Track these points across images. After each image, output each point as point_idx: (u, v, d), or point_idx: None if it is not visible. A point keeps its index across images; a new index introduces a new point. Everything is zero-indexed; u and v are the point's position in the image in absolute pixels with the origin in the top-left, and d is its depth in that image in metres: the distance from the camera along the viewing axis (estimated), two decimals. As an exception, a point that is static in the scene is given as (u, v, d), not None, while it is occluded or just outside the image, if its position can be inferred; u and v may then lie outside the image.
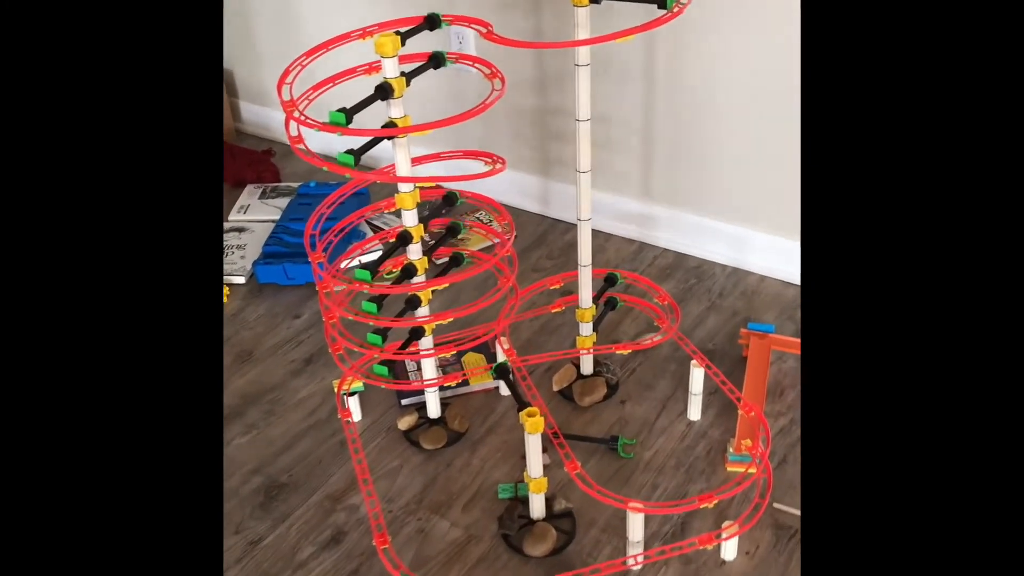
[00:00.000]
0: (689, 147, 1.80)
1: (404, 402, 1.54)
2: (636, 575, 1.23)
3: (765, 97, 1.66)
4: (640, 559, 1.22)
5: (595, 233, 1.98)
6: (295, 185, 2.21)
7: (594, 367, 1.56)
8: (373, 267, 1.25)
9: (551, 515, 1.31)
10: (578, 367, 1.56)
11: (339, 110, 1.11)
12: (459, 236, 1.42)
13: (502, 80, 1.21)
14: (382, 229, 1.99)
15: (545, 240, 1.99)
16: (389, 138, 1.20)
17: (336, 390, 1.49)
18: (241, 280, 1.90)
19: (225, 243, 2.01)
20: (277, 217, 2.07)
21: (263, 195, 2.20)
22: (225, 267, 1.92)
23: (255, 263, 1.89)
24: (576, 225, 1.41)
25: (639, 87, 1.80)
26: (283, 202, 2.15)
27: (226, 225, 2.08)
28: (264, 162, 2.30)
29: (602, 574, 1.19)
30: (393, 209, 1.31)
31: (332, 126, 1.10)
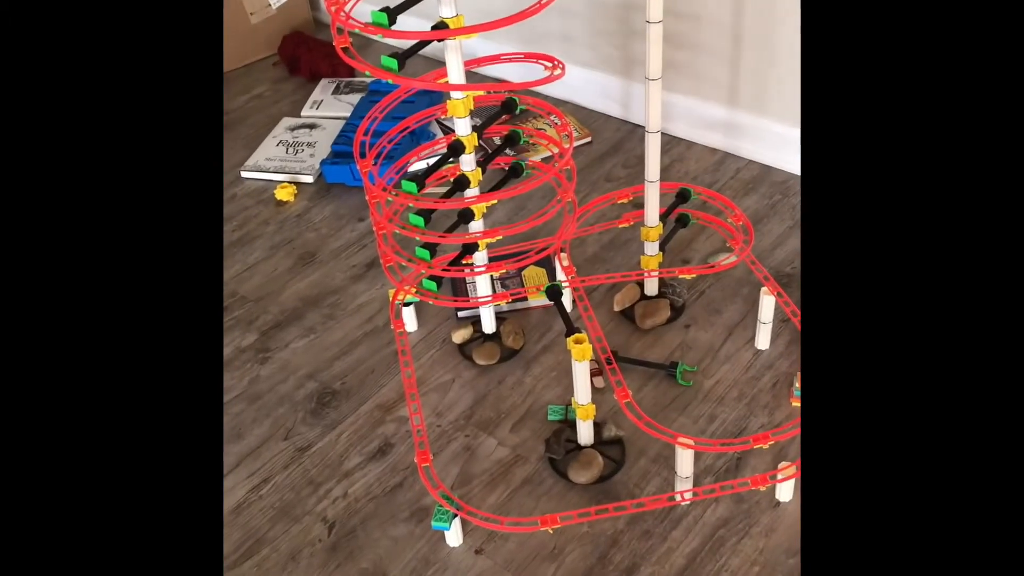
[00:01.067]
0: (780, 49, 1.64)
1: (460, 315, 1.51)
2: (685, 511, 1.18)
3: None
4: (687, 496, 1.16)
5: (675, 141, 1.86)
6: (368, 80, 2.15)
7: (660, 287, 1.48)
8: (420, 178, 1.19)
9: (599, 442, 1.26)
10: (642, 287, 1.48)
11: (382, 9, 1.03)
12: (519, 143, 1.34)
13: (563, -23, 1.10)
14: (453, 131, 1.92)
15: (622, 147, 1.88)
16: (440, 39, 1.11)
17: (390, 300, 1.46)
18: (309, 179, 1.87)
19: (295, 140, 1.98)
20: (348, 114, 2.02)
21: (336, 90, 2.15)
22: (293, 165, 1.90)
23: (323, 162, 1.86)
24: (653, 134, 1.31)
25: (731, -19, 1.64)
26: (356, 98, 2.09)
27: (297, 121, 2.05)
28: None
29: (646, 508, 1.14)
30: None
31: (374, 27, 1.03)
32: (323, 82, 2.18)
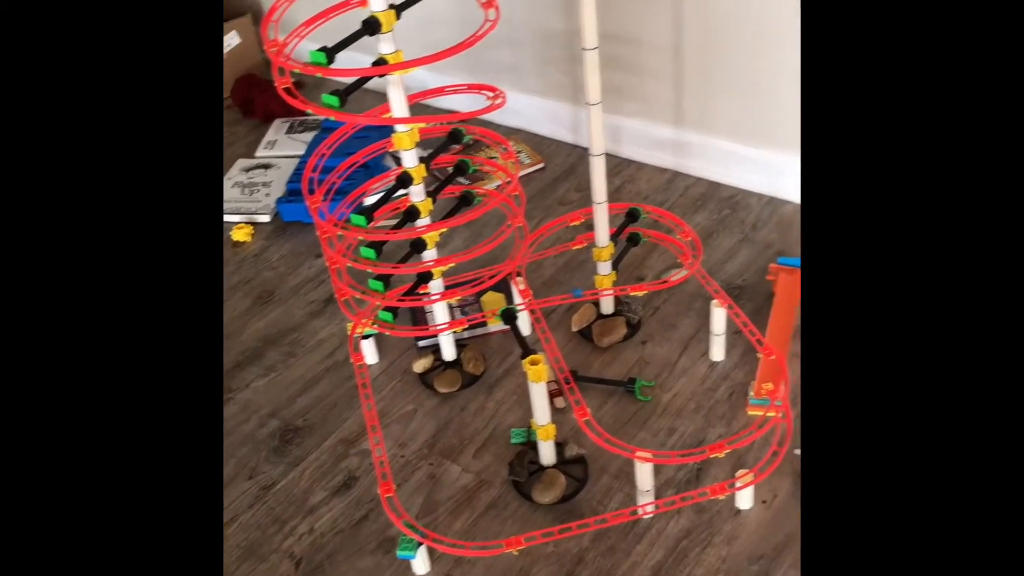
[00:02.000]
0: (722, 68, 1.69)
1: (420, 344, 1.52)
2: (648, 524, 1.20)
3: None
4: (649, 509, 1.18)
5: (626, 163, 1.90)
6: (322, 118, 2.17)
7: (615, 306, 1.51)
8: (369, 211, 1.21)
9: (562, 461, 1.28)
10: (598, 306, 1.51)
11: (320, 49, 1.05)
12: (468, 173, 1.36)
13: (496, 9, 1.13)
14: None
15: (575, 171, 1.92)
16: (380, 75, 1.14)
17: (348, 334, 1.47)
18: (266, 219, 1.88)
19: (250, 180, 1.99)
20: (303, 152, 2.03)
21: (290, 129, 2.16)
22: (249, 205, 1.91)
23: (279, 201, 1.87)
24: (608, 156, 1.34)
25: (668, 4, 1.68)
26: (310, 136, 2.11)
27: (252, 162, 2.06)
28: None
29: (609, 524, 1.16)
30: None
31: (313, 67, 1.05)
32: (276, 122, 2.20)
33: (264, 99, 2.25)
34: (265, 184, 1.97)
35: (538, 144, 2.01)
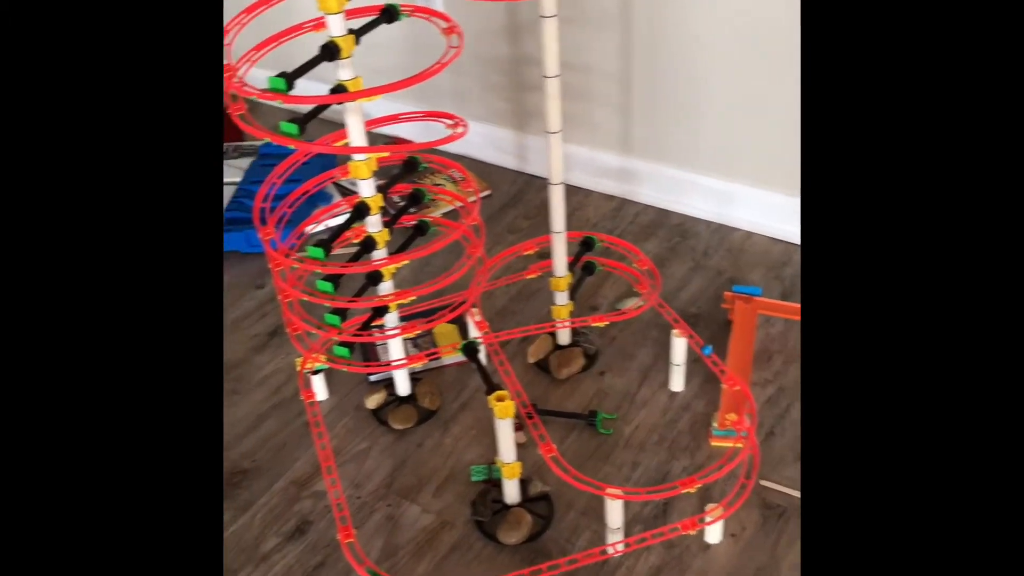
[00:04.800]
0: (670, 97, 1.70)
1: (372, 379, 1.46)
2: (618, 562, 1.17)
3: (752, 41, 1.55)
4: (619, 547, 1.15)
5: (573, 190, 1.88)
6: (258, 144, 2.10)
7: (572, 336, 1.49)
8: (327, 244, 1.15)
9: (526, 499, 1.24)
10: (555, 337, 1.48)
11: (279, 75, 1.00)
12: (423, 203, 1.33)
13: (460, 35, 1.11)
14: (352, 192, 1.89)
15: (522, 198, 1.89)
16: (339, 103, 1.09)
17: (298, 369, 1.41)
18: (202, 248, 1.80)
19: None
20: (240, 179, 1.96)
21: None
22: (184, 235, 1.82)
23: (216, 230, 1.79)
24: (550, 187, 1.32)
25: (616, 33, 1.68)
26: (247, 162, 2.04)
27: (185, 189, 1.98)
28: (227, 119, 2.18)
29: (579, 564, 1.12)
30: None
31: (272, 93, 1.00)
32: (210, 147, 2.12)
33: (196, 123, 2.17)
34: (200, 212, 1.89)
35: (482, 171, 1.98)
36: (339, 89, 1.08)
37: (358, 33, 1.08)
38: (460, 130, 1.16)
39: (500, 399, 1.12)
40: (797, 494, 1.23)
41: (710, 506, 1.16)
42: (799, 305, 1.50)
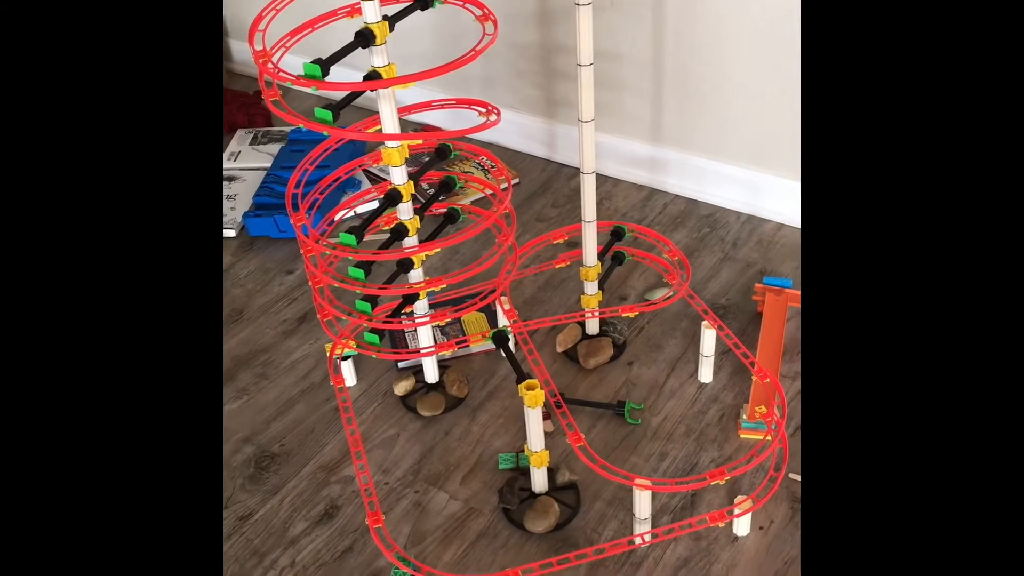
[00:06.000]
0: (702, 86, 1.68)
1: (401, 365, 1.47)
2: (644, 552, 1.17)
3: (785, 30, 1.53)
4: (647, 538, 1.15)
5: (602, 179, 1.87)
6: (287, 130, 2.10)
7: (600, 326, 1.48)
8: (359, 231, 1.16)
9: (554, 488, 1.24)
10: (583, 326, 1.48)
11: (314, 61, 1.00)
12: (454, 191, 1.32)
13: (494, 23, 1.10)
14: (381, 179, 1.90)
15: (550, 187, 1.89)
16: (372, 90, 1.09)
17: (328, 355, 1.42)
18: (232, 233, 1.81)
19: (214, 194, 1.92)
20: (268, 164, 1.97)
21: (254, 140, 2.09)
22: (214, 220, 1.83)
23: (245, 215, 1.80)
24: (582, 174, 1.32)
25: (648, 21, 1.67)
26: (275, 148, 2.05)
27: (216, 174, 1.99)
28: (255, 105, 2.19)
29: (607, 554, 1.12)
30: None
31: (307, 79, 1.00)
32: (239, 133, 2.13)
33: (227, 109, 2.18)
34: (229, 197, 1.90)
35: (511, 159, 1.97)
36: (373, 76, 1.08)
37: (392, 20, 1.08)
38: (493, 118, 1.15)
39: (530, 388, 1.12)
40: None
41: (739, 498, 1.16)
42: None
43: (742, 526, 1.17)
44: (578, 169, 1.32)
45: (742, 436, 1.30)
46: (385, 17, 1.07)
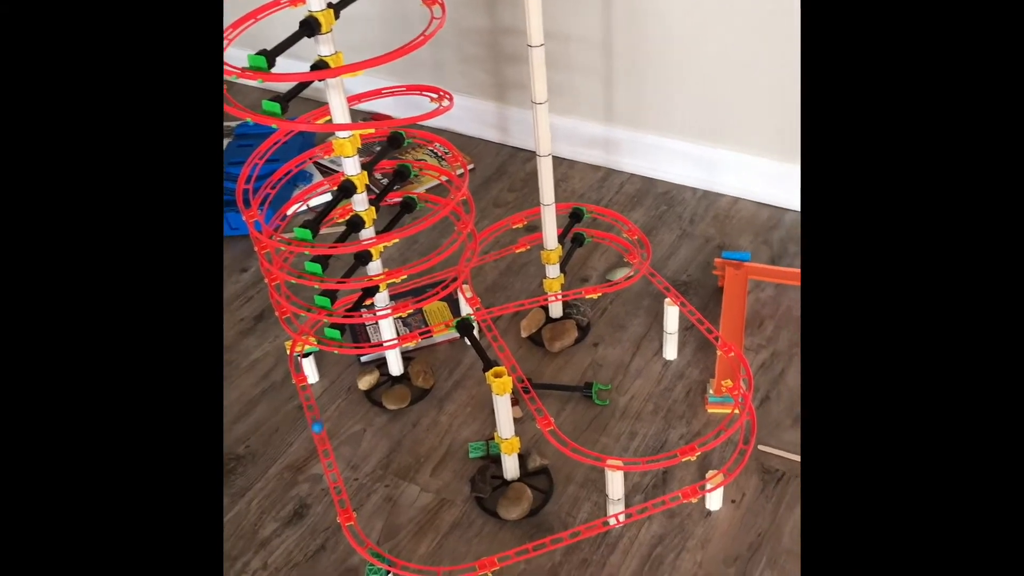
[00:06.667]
0: (652, 63, 1.68)
1: (364, 359, 1.45)
2: (619, 533, 1.17)
3: (733, 5, 1.53)
4: (621, 518, 1.15)
5: (558, 161, 1.86)
6: (233, 125, 2.06)
7: (564, 309, 1.48)
8: (314, 224, 1.13)
9: (526, 473, 1.23)
10: (547, 310, 1.47)
11: (259, 53, 0.97)
12: (409, 179, 1.30)
13: (442, 6, 1.08)
14: (333, 171, 1.86)
15: (506, 171, 1.87)
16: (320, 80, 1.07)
17: (288, 353, 1.39)
18: (182, 233, 1.76)
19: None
20: (217, 161, 1.92)
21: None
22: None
23: (195, 214, 1.75)
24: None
25: (597, 0, 1.66)
26: (223, 144, 2.00)
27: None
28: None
29: (583, 536, 1.12)
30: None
31: (252, 72, 0.97)
32: (185, 130, 2.07)
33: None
34: (178, 196, 1.85)
35: (464, 144, 1.95)
36: (321, 65, 1.06)
37: (337, 7, 1.05)
38: (446, 103, 1.14)
39: (498, 375, 1.11)
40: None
41: (710, 473, 1.16)
42: (789, 269, 1.50)
43: (714, 501, 1.18)
44: (533, 152, 1.31)
45: (710, 411, 1.31)
46: (330, 5, 1.04)
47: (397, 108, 1.98)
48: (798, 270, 1.52)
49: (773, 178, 1.65)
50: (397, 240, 1.20)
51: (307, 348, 1.38)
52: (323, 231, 1.18)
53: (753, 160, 1.67)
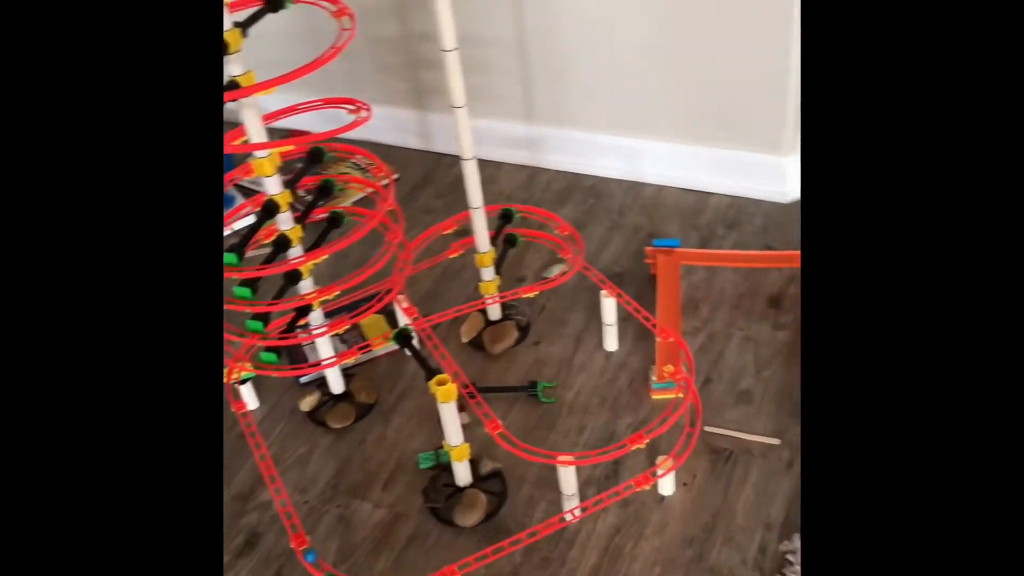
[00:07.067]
0: (568, 60, 1.69)
1: (303, 380, 1.42)
2: (576, 527, 1.17)
3: (641, -3, 1.55)
4: (577, 512, 1.15)
5: (484, 164, 1.84)
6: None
7: (502, 310, 1.47)
8: (239, 248, 1.11)
9: (478, 479, 1.23)
10: (485, 313, 1.47)
11: (165, 77, 0.95)
12: (333, 194, 1.29)
13: (351, 17, 1.07)
14: (255, 192, 1.83)
15: (432, 178, 1.87)
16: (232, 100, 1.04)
17: (224, 380, 1.36)
18: (104, 269, 1.71)
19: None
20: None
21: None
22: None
23: (116, 248, 1.70)
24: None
25: (506, 1, 1.66)
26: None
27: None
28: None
29: (541, 535, 1.12)
30: (255, 176, 1.17)
31: (160, 96, 0.94)
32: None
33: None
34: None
35: (386, 154, 1.93)
36: (232, 86, 1.04)
37: (243, 26, 1.04)
38: (364, 114, 1.13)
39: (441, 383, 1.10)
40: (742, 436, 1.25)
41: (660, 459, 1.17)
42: (719, 252, 1.53)
43: (666, 486, 1.19)
44: (458, 157, 1.30)
45: (654, 397, 1.32)
46: (236, 24, 1.02)
47: (316, 123, 1.95)
48: (728, 252, 1.55)
49: (694, 163, 1.68)
50: (327, 256, 1.18)
51: (243, 374, 1.35)
52: (249, 253, 1.16)
53: (674, 147, 1.69)
